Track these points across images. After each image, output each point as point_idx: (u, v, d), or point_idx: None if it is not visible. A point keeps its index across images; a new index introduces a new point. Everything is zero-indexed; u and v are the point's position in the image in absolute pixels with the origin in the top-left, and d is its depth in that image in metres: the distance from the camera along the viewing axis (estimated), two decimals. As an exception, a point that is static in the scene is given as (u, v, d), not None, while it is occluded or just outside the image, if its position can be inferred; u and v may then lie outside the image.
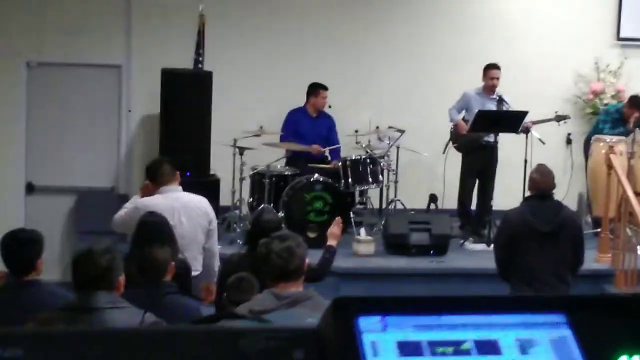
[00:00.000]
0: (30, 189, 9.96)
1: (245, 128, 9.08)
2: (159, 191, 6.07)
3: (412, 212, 9.45)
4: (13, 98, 9.88)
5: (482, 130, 9.07)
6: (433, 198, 9.95)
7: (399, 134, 9.43)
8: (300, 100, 9.59)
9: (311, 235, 8.57)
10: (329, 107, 9.61)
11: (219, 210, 9.20)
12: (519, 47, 10.46)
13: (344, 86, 10.03)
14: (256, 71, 10.14)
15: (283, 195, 8.67)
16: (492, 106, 9.13)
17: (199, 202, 6.17)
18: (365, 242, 8.51)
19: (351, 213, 8.82)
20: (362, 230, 8.65)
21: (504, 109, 9.11)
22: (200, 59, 9.51)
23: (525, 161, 8.74)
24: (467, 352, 1.55)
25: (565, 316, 1.62)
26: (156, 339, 1.53)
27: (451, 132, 9.42)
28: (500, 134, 9.09)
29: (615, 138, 9.14)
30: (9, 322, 3.95)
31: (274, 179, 8.87)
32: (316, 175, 8.77)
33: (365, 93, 10.31)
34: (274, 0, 10.26)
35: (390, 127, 9.55)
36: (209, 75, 9.48)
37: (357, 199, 9.35)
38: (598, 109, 10.24)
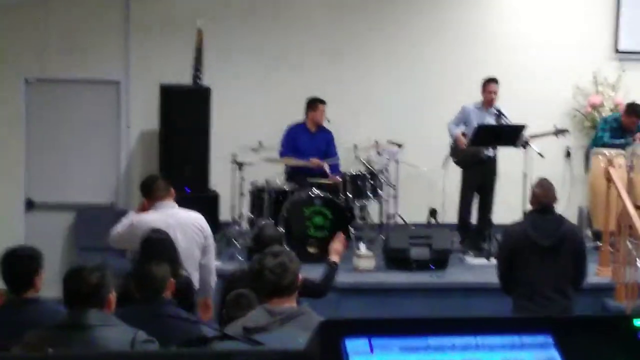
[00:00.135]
0: (29, 205, 9.95)
1: (244, 143, 9.08)
2: (153, 207, 6.08)
3: (412, 227, 9.43)
4: (12, 114, 9.89)
5: (482, 145, 9.07)
6: (433, 212, 9.94)
7: (398, 148, 9.43)
8: (299, 115, 9.59)
9: (311, 250, 8.57)
10: (328, 121, 9.61)
11: (218, 225, 9.21)
12: (517, 61, 10.47)
13: (343, 101, 10.04)
14: (255, 86, 10.15)
15: (282, 211, 8.66)
16: (491, 120, 9.14)
17: (194, 218, 6.16)
18: (365, 257, 8.49)
19: (351, 228, 8.81)
20: (362, 245, 8.64)
21: (503, 122, 9.12)
22: (199, 74, 9.51)
23: (525, 175, 8.73)
24: None
25: (552, 337, 1.61)
26: None
27: (450, 146, 9.42)
28: (500, 148, 9.08)
29: (614, 151, 9.13)
30: (7, 340, 3.93)
31: (273, 194, 8.86)
32: (316, 190, 8.76)
33: (364, 108, 10.32)
34: (273, 16, 10.27)
35: (389, 142, 9.55)
36: (207, 91, 9.49)
37: (357, 213, 9.33)
38: (597, 122, 10.24)
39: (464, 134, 9.24)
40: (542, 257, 6.13)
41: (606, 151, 9.15)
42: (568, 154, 10.58)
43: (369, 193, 9.02)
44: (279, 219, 8.62)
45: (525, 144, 8.92)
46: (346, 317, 1.56)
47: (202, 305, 6.10)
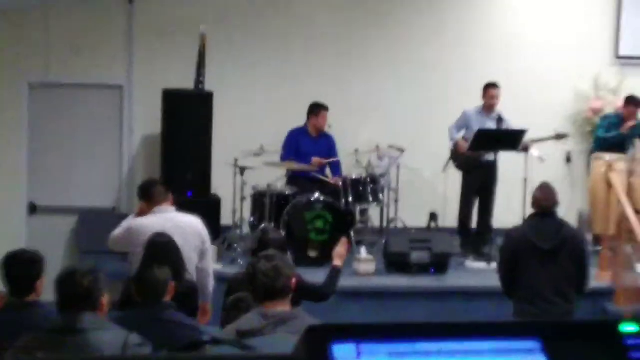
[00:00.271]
0: (32, 209, 9.99)
1: (246, 148, 9.10)
2: (152, 212, 6.12)
3: (413, 231, 9.45)
4: (15, 118, 9.92)
5: (482, 149, 9.09)
6: (433, 216, 9.95)
7: (399, 152, 9.46)
8: (300, 120, 9.62)
9: (312, 254, 8.59)
10: (329, 127, 9.64)
11: (220, 229, 9.23)
12: (518, 65, 10.49)
13: (345, 105, 10.06)
14: (257, 91, 10.18)
15: (284, 215, 8.69)
16: (491, 125, 9.16)
17: (192, 222, 6.19)
18: (365, 261, 8.51)
19: (352, 232, 8.84)
20: (363, 249, 8.66)
21: (504, 127, 9.14)
22: (202, 79, 9.54)
23: (525, 179, 8.75)
24: None
25: (540, 342, 1.63)
26: None
27: (451, 150, 9.44)
28: (500, 153, 9.11)
29: (615, 156, 9.15)
30: (8, 344, 3.96)
31: (274, 198, 8.89)
32: (317, 194, 8.79)
33: (365, 112, 10.35)
34: (275, 22, 10.30)
35: (390, 146, 9.57)
36: (210, 96, 9.52)
37: (358, 217, 9.36)
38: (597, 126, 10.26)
39: (464, 139, 9.26)
40: (543, 261, 6.16)
41: (607, 156, 9.17)
42: (568, 159, 10.60)
43: (369, 197, 9.05)
44: (280, 223, 8.64)
45: (525, 149, 8.94)
46: (333, 322, 1.58)
47: (200, 309, 6.12)
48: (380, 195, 9.17)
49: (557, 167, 10.32)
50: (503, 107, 9.36)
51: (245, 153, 9.03)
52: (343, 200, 8.93)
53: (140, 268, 4.92)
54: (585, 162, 10.10)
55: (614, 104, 10.39)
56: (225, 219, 9.42)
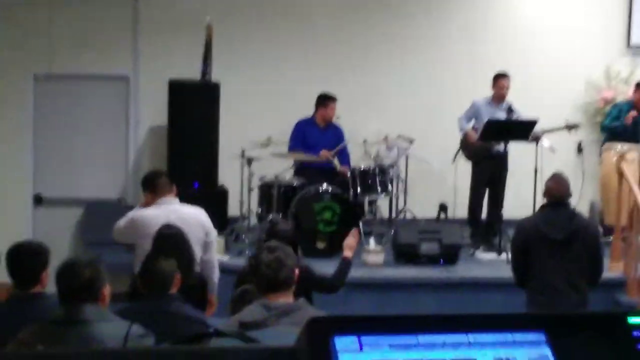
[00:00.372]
0: (38, 201, 9.95)
1: (253, 139, 9.05)
2: (155, 203, 6.08)
3: (422, 222, 9.38)
4: (21, 110, 9.89)
5: (492, 139, 9.02)
6: (443, 207, 9.89)
7: (408, 143, 9.38)
8: (308, 111, 9.55)
9: (320, 245, 8.54)
10: (337, 118, 9.56)
11: (227, 221, 9.19)
12: (529, 55, 10.41)
13: (353, 96, 9.99)
14: (264, 82, 10.12)
15: (291, 206, 8.62)
16: (501, 115, 9.08)
17: (196, 214, 6.14)
18: (374, 252, 8.45)
19: (360, 223, 8.76)
20: (372, 240, 8.60)
21: (514, 117, 9.06)
22: (208, 70, 9.49)
23: (536, 170, 8.67)
24: None
25: (545, 334, 1.59)
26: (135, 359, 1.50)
27: (461, 141, 9.37)
28: (511, 143, 9.03)
29: (627, 146, 9.06)
30: (13, 335, 3.91)
31: (282, 189, 8.83)
32: (325, 185, 8.71)
33: (374, 103, 10.28)
34: (282, 11, 10.24)
35: (399, 137, 9.50)
36: (216, 87, 9.47)
37: (366, 209, 9.29)
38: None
39: (474, 129, 9.19)
40: (554, 251, 6.10)
41: (618, 146, 9.08)
42: (580, 149, 10.51)
43: (378, 188, 8.98)
44: (288, 214, 8.58)
45: (536, 139, 8.86)
46: (339, 314, 1.54)
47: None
48: (389, 186, 9.10)
49: (568, 157, 10.24)
50: (513, 97, 9.28)
51: (252, 144, 8.97)
52: (351, 191, 8.86)
53: (147, 260, 4.86)
54: (597, 152, 10.01)
55: (625, 93, 10.28)
56: (233, 210, 9.37)
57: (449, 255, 8.50)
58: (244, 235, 8.94)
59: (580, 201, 9.49)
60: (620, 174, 8.34)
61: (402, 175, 9.53)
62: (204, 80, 9.48)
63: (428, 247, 8.47)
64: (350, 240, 5.95)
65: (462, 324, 1.59)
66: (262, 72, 10.13)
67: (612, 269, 8.23)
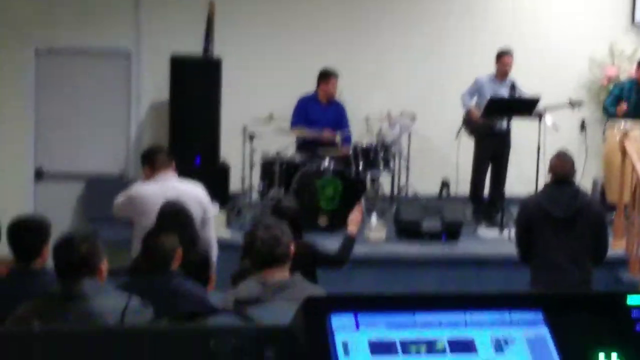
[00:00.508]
0: (39, 175, 9.94)
1: (255, 115, 9.01)
2: (153, 179, 6.06)
3: (424, 199, 9.37)
4: (22, 85, 9.85)
5: (495, 116, 8.98)
6: (445, 184, 9.88)
7: (411, 120, 9.35)
8: (310, 87, 9.51)
9: (322, 222, 8.52)
10: (339, 93, 9.51)
11: (228, 197, 9.17)
12: (532, 32, 10.36)
13: (355, 72, 9.95)
14: (266, 57, 10.07)
15: (293, 182, 8.60)
16: (504, 92, 9.05)
17: (193, 190, 6.12)
18: (376, 229, 8.44)
19: (362, 200, 8.75)
20: (374, 217, 8.58)
21: (517, 94, 9.03)
22: (210, 45, 9.44)
23: (539, 147, 8.64)
24: (441, 351, 1.51)
25: (543, 313, 1.58)
26: (127, 338, 1.49)
27: (464, 118, 9.33)
28: (514, 121, 9.00)
29: (630, 123, 9.03)
30: (13, 310, 3.90)
31: (284, 165, 8.81)
32: (327, 161, 8.69)
33: (376, 79, 10.23)
34: (285, -14, 10.18)
35: (401, 113, 9.46)
36: (218, 62, 9.42)
37: (368, 185, 9.27)
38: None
39: (477, 106, 9.15)
40: (557, 229, 6.08)
41: (622, 123, 9.04)
42: (583, 127, 10.47)
43: (380, 165, 8.96)
44: (290, 190, 8.56)
45: (539, 116, 8.83)
46: (332, 293, 1.53)
47: None
48: (391, 163, 9.08)
49: (572, 135, 10.20)
50: (517, 74, 9.25)
51: (254, 120, 8.94)
52: (353, 168, 8.83)
53: (148, 236, 4.85)
54: (600, 129, 9.96)
55: (629, 71, 10.22)
56: (234, 186, 9.36)
57: (451, 232, 8.49)
58: (245, 211, 8.93)
59: (583, 179, 9.47)
60: (624, 152, 8.32)
61: (405, 152, 9.51)
62: (206, 56, 9.43)
63: (430, 224, 8.46)
64: (355, 216, 5.92)
65: (459, 303, 1.58)
66: (264, 48, 10.08)
67: (614, 247, 8.20)
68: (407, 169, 9.59)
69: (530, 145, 8.83)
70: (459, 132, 9.38)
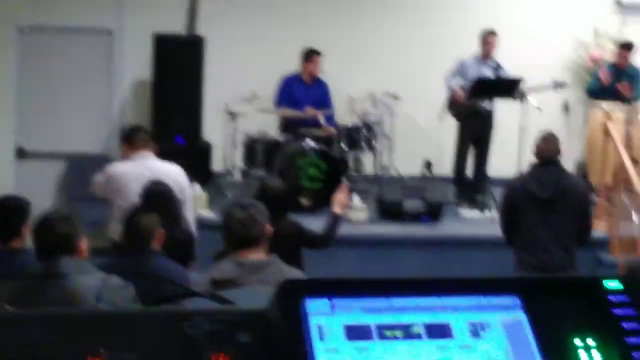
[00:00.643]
0: (20, 154, 9.88)
1: (238, 94, 8.98)
2: (131, 158, 6.04)
3: (407, 179, 9.37)
4: (4, 62, 9.78)
5: (480, 97, 8.99)
6: (428, 165, 9.88)
7: (394, 100, 9.34)
8: (293, 66, 9.47)
9: (304, 201, 8.51)
10: (322, 72, 9.49)
11: (210, 176, 9.14)
12: (516, 13, 10.34)
13: (339, 52, 9.91)
14: (249, 36, 10.01)
15: (276, 162, 8.58)
16: (488, 72, 9.06)
17: (171, 170, 6.06)
18: (358, 209, 8.43)
19: (345, 180, 8.74)
20: (356, 197, 8.58)
21: (501, 75, 9.03)
22: (193, 23, 9.39)
23: (522, 128, 8.65)
24: (417, 336, 1.51)
25: (520, 299, 1.58)
26: (101, 322, 1.48)
27: (447, 98, 9.33)
28: (497, 101, 9.00)
29: (612, 105, 9.04)
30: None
31: (267, 145, 8.78)
32: (310, 141, 8.67)
33: (360, 59, 10.19)
34: (269, -36, 10.11)
35: (384, 93, 9.45)
36: (201, 41, 9.38)
37: (351, 165, 9.27)
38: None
39: (460, 87, 9.15)
40: (542, 210, 6.09)
41: (604, 105, 9.06)
42: (566, 108, 10.49)
43: (363, 145, 8.95)
44: (272, 170, 8.54)
45: (522, 97, 8.83)
46: (307, 278, 1.53)
47: None
48: (374, 143, 9.07)
49: (555, 116, 10.22)
50: (501, 55, 9.23)
51: (237, 99, 8.91)
52: (336, 148, 8.82)
53: (129, 215, 4.84)
54: (583, 111, 9.99)
55: (613, 52, 10.24)
56: (217, 165, 9.34)
57: (433, 213, 8.50)
58: (227, 191, 8.91)
59: (566, 160, 9.47)
60: (606, 133, 8.34)
61: (388, 132, 9.50)
62: (189, 35, 9.38)
63: (412, 204, 8.46)
64: (340, 196, 5.90)
65: (435, 288, 1.58)
66: (248, 27, 10.03)
67: (595, 228, 8.25)
68: (390, 149, 9.58)
69: (513, 126, 8.84)
70: (442, 112, 9.37)
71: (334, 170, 8.61)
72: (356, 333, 1.49)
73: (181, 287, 4.22)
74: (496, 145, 9.29)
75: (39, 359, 1.41)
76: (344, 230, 7.94)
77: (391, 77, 9.96)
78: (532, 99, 8.86)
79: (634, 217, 7.95)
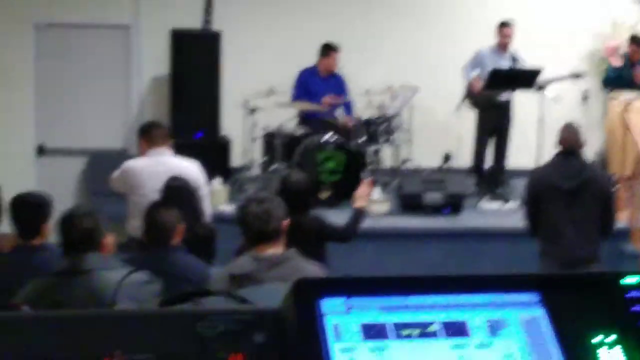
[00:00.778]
0: (40, 151, 9.92)
1: (256, 88, 8.98)
2: (147, 154, 6.03)
3: (426, 171, 9.35)
4: (22, 60, 9.81)
5: (497, 88, 8.95)
6: (447, 157, 9.85)
7: (412, 92, 9.31)
8: (311, 60, 9.46)
9: (323, 195, 8.50)
10: (340, 68, 9.47)
11: (230, 171, 9.16)
12: (534, 4, 10.28)
13: (356, 44, 9.90)
14: (266, 30, 10.01)
15: (295, 156, 8.57)
16: (505, 64, 9.01)
17: (186, 167, 6.02)
18: (378, 202, 8.42)
19: (367, 174, 8.72)
20: (376, 190, 8.56)
21: (519, 66, 8.99)
22: (210, 18, 9.39)
23: (540, 119, 8.60)
24: (434, 334, 1.50)
25: (539, 295, 1.56)
26: (116, 323, 1.48)
27: (465, 90, 9.30)
28: (516, 93, 8.96)
29: (631, 95, 8.98)
30: (16, 285, 3.92)
31: (285, 139, 8.78)
32: (328, 135, 8.66)
33: (377, 51, 10.18)
34: (285, -42, 10.10)
35: (402, 86, 9.42)
36: (218, 35, 9.38)
37: (370, 158, 9.25)
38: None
39: (478, 78, 9.11)
40: (564, 201, 6.04)
41: (623, 95, 8.99)
42: (585, 98, 10.43)
43: (382, 138, 8.93)
44: (291, 164, 8.54)
45: (541, 88, 8.79)
46: (323, 277, 1.52)
47: None
48: (393, 136, 9.05)
49: (574, 107, 10.16)
50: (518, 46, 9.19)
51: (255, 93, 8.91)
52: (355, 141, 8.81)
53: (149, 211, 4.85)
54: (602, 101, 9.93)
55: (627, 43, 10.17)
56: (236, 160, 9.34)
57: (453, 205, 8.47)
58: (246, 186, 8.92)
59: (585, 151, 9.43)
60: (625, 124, 8.28)
61: (406, 124, 9.48)
62: (206, 29, 9.40)
63: (432, 197, 8.45)
64: (362, 190, 5.86)
65: (452, 285, 1.56)
66: (264, 21, 10.03)
67: (617, 219, 8.19)
68: (409, 141, 9.56)
69: (531, 117, 8.80)
70: (460, 104, 9.35)
71: (352, 164, 8.60)
72: (372, 332, 1.48)
73: (203, 280, 4.25)
74: (515, 137, 9.25)
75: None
76: (364, 223, 7.97)
77: (409, 70, 9.94)
78: (550, 89, 8.81)
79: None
